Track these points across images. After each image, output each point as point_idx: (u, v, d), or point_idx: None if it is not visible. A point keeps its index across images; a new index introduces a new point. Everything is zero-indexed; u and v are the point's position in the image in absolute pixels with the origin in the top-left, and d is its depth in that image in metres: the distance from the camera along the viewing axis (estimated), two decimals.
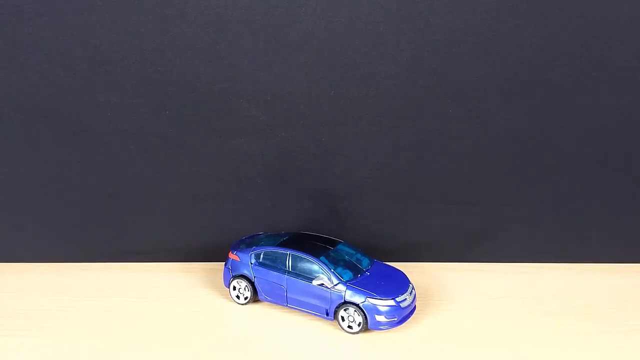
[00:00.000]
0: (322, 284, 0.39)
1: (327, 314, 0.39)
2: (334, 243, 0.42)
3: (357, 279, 0.39)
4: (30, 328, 0.39)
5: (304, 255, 0.40)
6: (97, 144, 0.44)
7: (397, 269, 0.42)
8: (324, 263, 0.39)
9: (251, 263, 0.42)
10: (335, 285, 0.39)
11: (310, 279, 0.39)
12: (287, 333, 0.39)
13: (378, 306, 0.38)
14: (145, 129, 0.44)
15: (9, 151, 0.45)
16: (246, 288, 0.42)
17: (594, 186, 0.47)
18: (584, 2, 0.41)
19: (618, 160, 0.46)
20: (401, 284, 0.40)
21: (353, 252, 0.42)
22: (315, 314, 0.40)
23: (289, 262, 0.41)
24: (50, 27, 0.41)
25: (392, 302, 0.38)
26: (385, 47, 0.42)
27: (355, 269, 0.40)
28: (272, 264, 0.41)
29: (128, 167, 0.45)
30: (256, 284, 0.42)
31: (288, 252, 0.41)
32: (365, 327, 0.38)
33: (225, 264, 0.43)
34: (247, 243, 0.44)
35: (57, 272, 0.47)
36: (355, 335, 0.38)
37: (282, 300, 0.41)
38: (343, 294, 0.38)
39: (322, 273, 0.39)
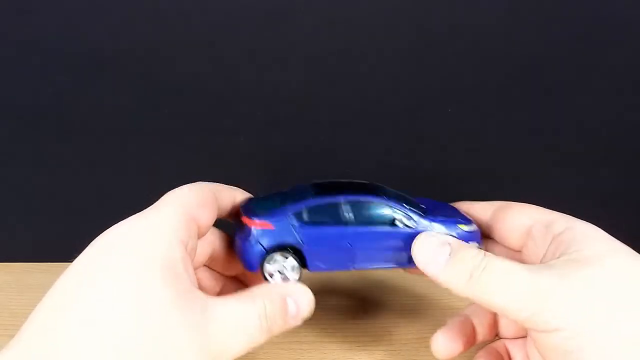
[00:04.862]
0: (404, 224, 0.31)
1: (409, 261, 0.30)
2: (365, 184, 0.33)
3: (428, 210, 0.32)
4: None
5: (364, 199, 0.31)
6: (96, 144, 0.45)
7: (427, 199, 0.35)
8: (392, 200, 0.31)
9: (293, 225, 0.30)
10: (417, 221, 0.31)
11: (384, 223, 0.31)
12: None
13: (467, 232, 0.31)
14: (145, 129, 0.44)
15: (9, 151, 0.45)
16: (293, 266, 0.30)
17: (594, 185, 0.47)
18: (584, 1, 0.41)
19: (619, 160, 0.46)
20: (448, 207, 0.34)
21: (386, 187, 0.34)
22: (392, 267, 0.31)
23: (347, 211, 0.31)
24: (50, 26, 0.41)
25: (474, 226, 0.32)
26: (385, 45, 0.42)
27: (411, 202, 0.33)
28: (326, 219, 0.31)
29: (128, 167, 0.45)
30: (306, 251, 0.30)
31: (342, 200, 0.31)
32: None
33: (245, 239, 0.30)
34: (263, 206, 0.32)
35: (57, 272, 0.46)
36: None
37: (346, 262, 0.31)
38: (430, 229, 0.31)
39: (397, 213, 0.31)
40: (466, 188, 0.47)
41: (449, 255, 0.28)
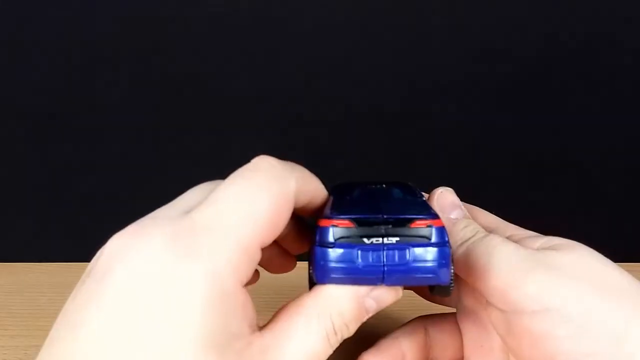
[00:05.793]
0: None
1: None
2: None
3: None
4: (30, 328, 0.39)
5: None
6: (97, 144, 0.45)
7: None
8: None
9: None
10: None
11: None
12: None
13: None
14: (145, 130, 0.44)
15: (9, 151, 0.45)
16: None
17: (593, 185, 0.47)
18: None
19: (619, 161, 0.46)
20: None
21: None
22: None
23: None
24: (50, 26, 0.41)
25: None
26: (384, 46, 0.42)
27: None
28: None
29: (128, 168, 0.45)
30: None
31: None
32: None
33: (444, 241, 0.22)
34: (396, 201, 0.27)
35: (57, 272, 0.47)
36: None
37: None
38: None
39: None
40: (466, 190, 0.48)
41: (458, 217, 0.28)
